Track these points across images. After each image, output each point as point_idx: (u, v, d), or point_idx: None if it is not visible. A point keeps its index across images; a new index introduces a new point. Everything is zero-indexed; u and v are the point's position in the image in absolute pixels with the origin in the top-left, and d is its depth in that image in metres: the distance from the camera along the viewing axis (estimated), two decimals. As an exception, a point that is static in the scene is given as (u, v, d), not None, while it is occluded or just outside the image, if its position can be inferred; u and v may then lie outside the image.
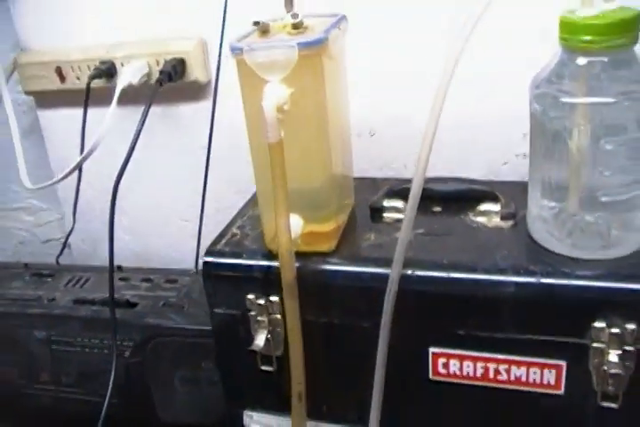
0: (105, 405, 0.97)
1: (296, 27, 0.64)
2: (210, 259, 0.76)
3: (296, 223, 0.70)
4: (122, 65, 0.94)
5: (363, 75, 0.85)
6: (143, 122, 0.86)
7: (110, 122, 0.87)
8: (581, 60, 0.59)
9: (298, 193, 0.70)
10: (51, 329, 1.02)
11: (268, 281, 0.72)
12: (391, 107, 0.90)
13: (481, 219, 0.74)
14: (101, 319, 0.98)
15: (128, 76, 0.89)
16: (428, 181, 0.77)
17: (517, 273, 0.64)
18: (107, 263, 1.06)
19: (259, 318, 0.75)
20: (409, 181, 0.83)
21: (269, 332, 0.75)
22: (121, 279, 1.06)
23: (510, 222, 0.73)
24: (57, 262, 1.17)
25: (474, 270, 0.66)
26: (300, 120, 0.65)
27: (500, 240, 0.70)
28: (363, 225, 0.78)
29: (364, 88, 0.87)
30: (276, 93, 0.63)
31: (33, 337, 1.04)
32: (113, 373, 0.95)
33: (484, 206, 0.75)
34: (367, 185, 0.85)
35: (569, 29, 0.59)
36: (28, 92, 1.05)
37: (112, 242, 0.88)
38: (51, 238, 1.25)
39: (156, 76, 0.92)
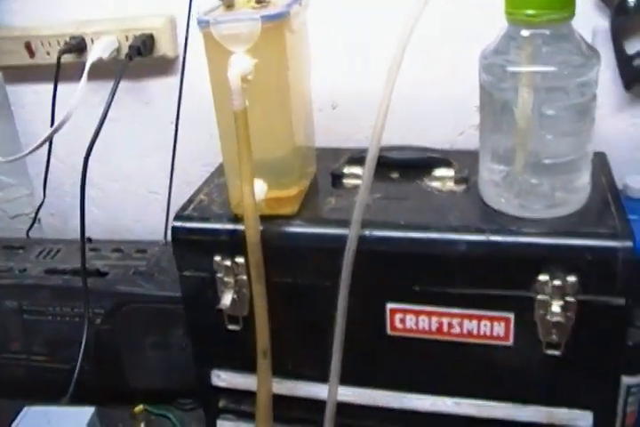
0: (76, 372, 1.00)
1: (259, 1, 0.68)
2: (178, 223, 0.80)
3: (260, 189, 0.74)
4: (92, 41, 0.96)
5: (324, 49, 0.90)
6: (112, 96, 0.89)
7: (80, 96, 0.90)
8: (525, 33, 0.64)
9: (262, 161, 0.74)
10: (22, 299, 1.04)
11: (234, 244, 0.75)
12: (353, 80, 0.94)
13: (436, 184, 0.79)
14: (72, 288, 1.00)
15: (98, 51, 0.92)
16: (385, 149, 0.82)
17: (468, 231, 0.69)
18: (77, 237, 1.10)
19: (225, 280, 0.79)
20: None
21: (236, 292, 0.79)
22: (91, 250, 1.08)
23: (463, 187, 0.78)
24: (27, 236, 1.19)
25: (427, 230, 0.71)
26: (263, 90, 0.69)
27: (453, 203, 0.75)
28: (324, 191, 0.82)
29: (325, 62, 0.91)
30: (240, 64, 0.66)
31: (4, 307, 1.05)
32: (84, 340, 0.97)
33: (438, 172, 0.80)
34: (329, 154, 0.88)
35: (513, 4, 0.63)
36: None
37: (83, 212, 0.90)
38: (20, 213, 1.27)
39: (125, 51, 0.94)
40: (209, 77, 0.70)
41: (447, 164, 0.80)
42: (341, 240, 0.69)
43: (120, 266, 1.04)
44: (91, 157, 0.90)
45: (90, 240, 1.11)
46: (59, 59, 0.95)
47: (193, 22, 0.94)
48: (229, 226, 0.77)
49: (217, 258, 0.78)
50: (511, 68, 0.64)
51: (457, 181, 0.78)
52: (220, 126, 0.74)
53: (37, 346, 1.07)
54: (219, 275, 0.79)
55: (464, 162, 0.80)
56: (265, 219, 0.74)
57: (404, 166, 0.82)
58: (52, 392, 1.02)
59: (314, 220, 0.76)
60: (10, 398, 1.04)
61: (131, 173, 1.12)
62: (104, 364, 1.04)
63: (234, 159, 0.70)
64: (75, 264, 1.05)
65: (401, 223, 0.72)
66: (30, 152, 0.96)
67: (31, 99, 1.07)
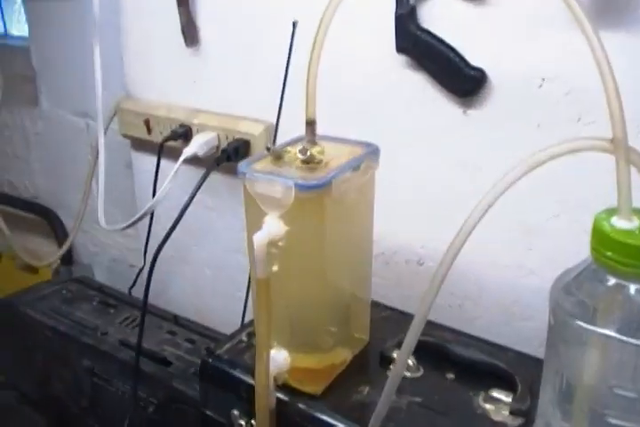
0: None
1: (308, 161, 0.58)
2: (209, 360, 0.73)
3: (282, 358, 0.65)
4: (197, 131, 0.93)
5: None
6: (195, 192, 0.85)
7: (169, 184, 0.87)
8: (610, 281, 0.47)
9: (289, 324, 0.66)
10: (95, 362, 1.06)
11: (253, 403, 0.67)
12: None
13: (489, 406, 0.63)
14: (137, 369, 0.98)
15: (194, 147, 0.89)
16: (452, 340, 0.70)
17: None
18: (169, 308, 1.09)
19: (239, 438, 0.70)
20: (442, 327, 0.75)
21: (245, 453, 0.70)
22: (169, 333, 1.06)
23: (518, 421, 0.61)
24: (129, 293, 1.20)
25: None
26: (295, 256, 0.60)
27: (496, 441, 0.59)
28: (366, 371, 0.70)
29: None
30: (270, 229, 0.57)
31: (81, 365, 1.07)
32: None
33: (496, 393, 0.63)
34: (400, 321, 0.75)
35: (598, 239, 0.46)
36: (125, 136, 1.08)
37: (146, 300, 0.87)
38: (135, 265, 1.29)
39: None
40: (246, 233, 0.61)
41: (510, 381, 0.64)
42: (353, 443, 0.58)
43: (186, 360, 1.00)
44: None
45: (176, 318, 1.10)
46: (161, 145, 0.93)
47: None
48: (252, 382, 0.68)
49: (235, 412, 0.70)
50: (581, 324, 0.47)
51: (513, 412, 0.61)
52: (252, 284, 0.65)
53: (98, 409, 1.08)
54: (235, 430, 0.71)
55: (531, 380, 0.63)
56: (290, 391, 0.66)
57: (464, 367, 0.67)
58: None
59: (332, 409, 0.64)
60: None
61: (222, 263, 1.08)
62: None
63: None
64: (151, 342, 1.04)
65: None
66: (127, 227, 0.95)
67: (148, 168, 1.07)
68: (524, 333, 0.76)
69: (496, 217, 0.73)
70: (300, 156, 0.58)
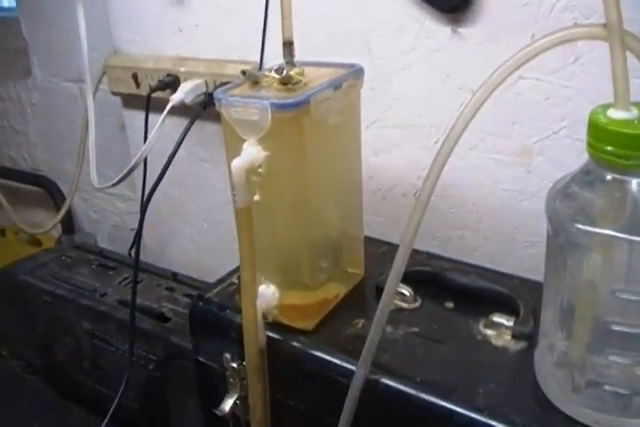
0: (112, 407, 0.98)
1: (285, 82, 0.55)
2: (198, 304, 0.71)
3: (270, 293, 0.63)
4: (185, 79, 0.90)
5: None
6: (182, 139, 0.82)
7: (157, 134, 0.85)
8: (609, 177, 0.44)
9: (276, 259, 0.64)
10: (95, 323, 1.05)
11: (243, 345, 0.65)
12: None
13: (490, 331, 0.60)
14: (136, 326, 0.97)
15: (181, 94, 0.86)
16: (450, 268, 0.68)
17: (493, 417, 0.51)
18: (172, 267, 1.07)
19: (231, 380, 0.69)
20: (440, 257, 0.72)
21: (240, 398, 0.69)
22: (167, 289, 1.05)
23: (521, 345, 0.58)
24: (129, 254, 1.19)
25: (444, 398, 0.54)
26: (277, 184, 0.57)
27: (496, 366, 0.56)
28: (361, 305, 0.68)
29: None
30: (249, 154, 0.55)
31: (81, 328, 1.07)
32: (124, 383, 0.94)
33: (497, 317, 0.60)
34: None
35: (594, 133, 0.44)
36: (114, 93, 1.06)
37: (137, 259, 0.85)
38: (135, 228, 1.27)
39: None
40: (225, 162, 0.59)
41: (512, 306, 0.61)
42: (347, 376, 0.56)
43: (184, 315, 0.98)
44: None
45: (174, 276, 1.08)
46: (148, 96, 0.91)
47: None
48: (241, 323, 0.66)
49: (226, 355, 0.69)
50: (580, 226, 0.45)
51: (515, 336, 0.59)
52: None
53: (100, 371, 1.07)
54: (227, 373, 0.69)
55: (534, 304, 0.61)
56: (280, 328, 0.64)
57: (463, 294, 0.65)
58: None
59: (326, 343, 0.62)
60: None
61: (220, 217, 1.06)
62: (151, 409, 1.01)
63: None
64: (149, 300, 1.03)
65: (417, 380, 0.56)
66: (115, 184, 0.93)
67: (141, 125, 1.05)
68: (528, 261, 0.73)
69: (490, 138, 0.71)
70: (275, 75, 0.55)
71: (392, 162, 0.79)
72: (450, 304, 0.65)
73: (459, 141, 0.46)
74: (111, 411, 0.97)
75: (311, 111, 0.54)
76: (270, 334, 0.64)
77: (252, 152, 0.55)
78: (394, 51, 0.74)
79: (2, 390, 1.22)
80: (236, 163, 0.54)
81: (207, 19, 0.90)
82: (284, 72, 0.55)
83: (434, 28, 0.70)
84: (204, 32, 0.91)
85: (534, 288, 0.63)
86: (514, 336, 0.59)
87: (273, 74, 0.56)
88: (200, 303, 0.71)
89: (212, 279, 1.08)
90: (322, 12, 0.78)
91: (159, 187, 1.00)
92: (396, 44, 0.73)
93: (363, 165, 0.69)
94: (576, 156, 0.64)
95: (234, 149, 0.57)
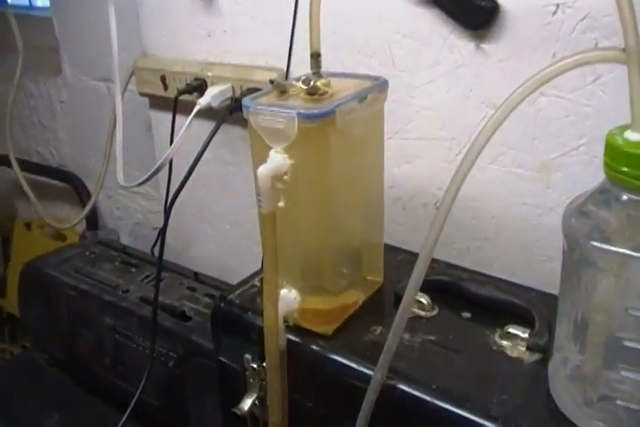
0: (131, 404, 0.99)
1: (312, 92, 0.57)
2: (220, 305, 0.73)
3: (292, 297, 0.65)
4: (212, 84, 0.92)
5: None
6: (207, 144, 0.84)
7: (183, 136, 0.87)
8: (624, 197, 0.45)
9: (299, 264, 0.65)
10: (117, 320, 1.07)
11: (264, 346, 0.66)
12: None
13: (505, 342, 0.61)
14: (158, 324, 0.99)
15: (208, 98, 0.88)
16: (468, 279, 0.69)
17: None
18: (193, 267, 1.09)
19: (251, 381, 0.71)
20: (458, 267, 0.73)
21: (259, 397, 0.70)
22: (189, 288, 1.07)
23: (535, 357, 0.59)
24: (151, 253, 1.21)
25: (459, 405, 0.55)
26: (302, 191, 0.59)
27: (510, 377, 0.58)
28: (380, 311, 0.69)
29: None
30: (275, 161, 0.57)
31: (103, 323, 1.09)
32: (144, 379, 0.96)
33: (512, 329, 0.62)
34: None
35: (610, 154, 0.45)
36: (142, 94, 1.08)
37: (162, 254, 0.87)
38: (157, 227, 1.30)
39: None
40: (249, 166, 0.61)
41: (528, 318, 0.62)
42: (365, 380, 0.58)
43: (205, 314, 1.00)
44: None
45: (196, 275, 1.10)
46: (176, 98, 0.93)
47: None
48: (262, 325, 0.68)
49: (247, 356, 0.70)
50: (595, 244, 0.46)
51: (530, 348, 0.60)
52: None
53: (121, 366, 1.09)
54: (247, 373, 0.71)
55: (549, 317, 0.62)
56: (300, 331, 0.66)
57: (480, 305, 0.66)
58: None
59: (343, 348, 0.64)
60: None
61: (242, 219, 1.08)
62: (170, 406, 1.03)
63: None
64: (171, 298, 1.05)
65: (433, 387, 0.57)
66: (140, 184, 0.96)
67: (167, 126, 1.07)
68: (545, 275, 0.74)
69: (511, 152, 0.72)
70: (302, 86, 0.57)
71: (413, 173, 0.81)
72: (467, 314, 0.66)
73: (481, 155, 0.47)
74: (131, 406, 0.99)
75: (336, 122, 0.56)
76: (290, 337, 0.66)
77: (277, 160, 0.57)
78: (418, 64, 0.75)
79: (24, 382, 1.25)
80: (263, 170, 0.56)
81: (235, 24, 0.92)
82: (311, 83, 0.57)
83: (458, 44, 0.71)
84: (232, 37, 0.93)
85: (550, 301, 0.64)
86: (529, 348, 0.60)
87: (300, 84, 0.58)
88: (222, 304, 0.73)
89: (233, 280, 1.10)
90: (347, 24, 0.80)
91: (184, 187, 1.02)
92: (420, 58, 0.75)
93: (384, 175, 0.71)
94: (594, 172, 0.65)
95: (260, 155, 0.59)
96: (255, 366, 0.70)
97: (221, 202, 1.08)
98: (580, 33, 0.63)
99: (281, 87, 0.58)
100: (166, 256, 1.19)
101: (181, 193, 1.05)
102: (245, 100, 0.58)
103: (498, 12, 0.67)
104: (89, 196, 1.46)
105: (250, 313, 0.71)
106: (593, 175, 0.51)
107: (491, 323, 0.64)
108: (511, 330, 0.62)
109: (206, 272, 1.13)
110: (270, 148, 0.57)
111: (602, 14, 0.62)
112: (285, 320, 0.65)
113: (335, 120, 0.55)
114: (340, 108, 0.56)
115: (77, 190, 1.47)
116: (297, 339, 0.66)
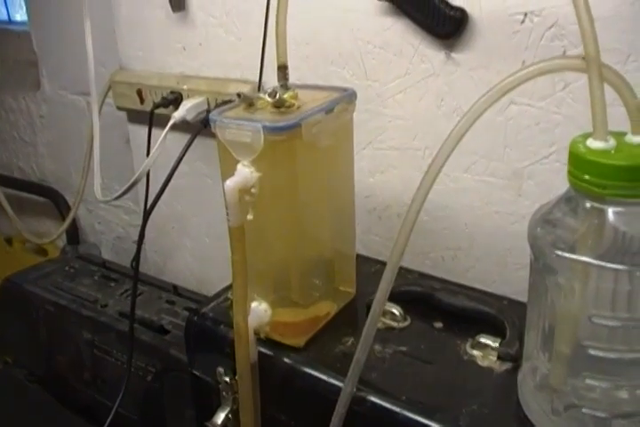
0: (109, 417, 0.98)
1: (278, 105, 0.57)
2: (193, 319, 0.73)
3: (262, 310, 0.64)
4: (187, 97, 0.92)
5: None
6: (182, 156, 0.84)
7: (159, 149, 0.87)
8: (587, 205, 0.45)
9: (269, 277, 0.65)
10: (95, 334, 1.06)
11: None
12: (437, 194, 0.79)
13: (476, 352, 0.61)
14: (136, 338, 0.98)
15: (182, 112, 0.88)
16: (440, 288, 0.69)
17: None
18: (173, 280, 1.09)
19: (224, 394, 0.70)
20: (431, 277, 0.73)
21: (232, 411, 0.70)
22: (167, 302, 1.06)
23: (506, 366, 0.59)
24: (131, 266, 1.20)
25: (428, 417, 0.55)
26: (270, 204, 0.59)
27: (480, 387, 0.58)
28: (352, 323, 0.69)
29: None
30: (242, 175, 0.57)
31: (82, 338, 1.08)
32: (121, 393, 0.95)
33: (483, 338, 0.62)
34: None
35: (573, 162, 0.45)
36: (119, 108, 1.08)
37: (137, 271, 0.87)
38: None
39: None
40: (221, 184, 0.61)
41: (499, 327, 0.62)
42: (336, 392, 0.57)
43: (183, 328, 0.99)
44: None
45: (175, 289, 1.10)
46: (152, 112, 0.93)
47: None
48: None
49: (220, 369, 0.70)
50: (559, 253, 0.46)
51: (501, 357, 0.60)
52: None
53: (100, 381, 1.08)
54: (220, 386, 0.70)
55: (521, 326, 0.62)
56: (271, 344, 0.66)
57: (452, 315, 0.66)
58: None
59: (314, 360, 0.64)
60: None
61: (221, 231, 1.07)
62: (148, 420, 1.02)
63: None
64: (149, 312, 1.04)
65: (402, 399, 0.57)
66: (117, 197, 0.95)
67: (145, 139, 1.07)
68: (519, 283, 0.73)
69: (483, 161, 0.72)
70: (268, 99, 0.57)
71: (388, 182, 0.81)
72: (439, 324, 0.66)
73: (452, 164, 0.48)
74: (108, 421, 0.98)
75: (303, 134, 0.56)
76: (262, 350, 0.65)
77: (245, 173, 0.57)
78: (389, 74, 0.76)
79: (4, 398, 1.24)
80: (230, 183, 0.56)
81: (210, 38, 0.92)
82: (277, 95, 0.57)
83: (428, 53, 0.72)
84: (207, 50, 0.93)
85: (523, 310, 0.64)
86: (499, 357, 0.60)
87: (266, 97, 0.58)
88: (195, 318, 0.73)
89: (212, 293, 1.10)
90: (320, 35, 0.80)
91: (163, 201, 1.01)
92: (392, 68, 0.75)
93: (359, 185, 0.71)
94: (564, 180, 0.65)
95: (229, 169, 0.58)
96: (228, 379, 0.69)
97: (200, 215, 1.08)
98: (548, 41, 0.64)
99: (248, 100, 0.58)
100: (146, 270, 1.20)
101: (161, 207, 1.06)
102: (213, 114, 0.58)
103: (467, 21, 0.67)
104: (69, 210, 1.45)
105: (222, 326, 0.70)
106: (564, 183, 0.51)
107: (462, 333, 0.64)
108: (482, 340, 0.62)
109: (186, 285, 1.13)
110: (238, 161, 0.57)
111: (569, 22, 0.62)
112: (257, 333, 0.64)
113: (301, 132, 0.55)
114: (306, 121, 0.56)
115: (57, 205, 1.47)
116: (269, 352, 0.66)
